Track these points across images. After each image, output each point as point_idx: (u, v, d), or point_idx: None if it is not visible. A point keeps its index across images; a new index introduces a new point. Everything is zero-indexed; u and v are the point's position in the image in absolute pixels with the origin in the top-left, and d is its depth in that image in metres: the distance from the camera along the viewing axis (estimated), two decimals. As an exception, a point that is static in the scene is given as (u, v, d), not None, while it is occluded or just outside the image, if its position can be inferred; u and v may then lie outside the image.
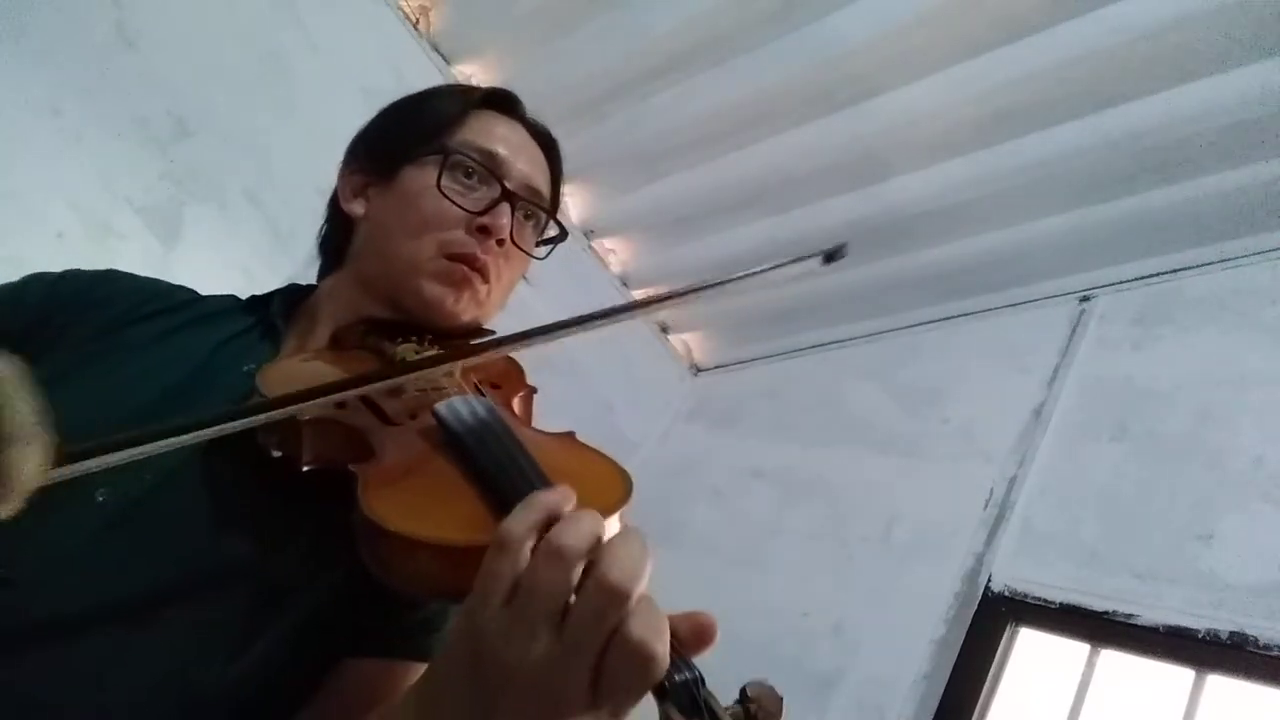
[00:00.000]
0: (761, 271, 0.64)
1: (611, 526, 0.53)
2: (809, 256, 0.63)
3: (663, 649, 0.43)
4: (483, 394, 0.74)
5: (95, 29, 1.94)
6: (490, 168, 0.84)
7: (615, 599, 0.43)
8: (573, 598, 0.44)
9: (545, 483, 0.53)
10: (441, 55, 2.47)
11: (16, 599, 0.61)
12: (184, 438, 0.55)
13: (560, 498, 0.48)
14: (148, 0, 2.00)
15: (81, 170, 1.91)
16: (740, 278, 0.65)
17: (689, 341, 3.07)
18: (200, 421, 0.56)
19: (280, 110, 2.19)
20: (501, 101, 0.91)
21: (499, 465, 0.56)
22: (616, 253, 2.87)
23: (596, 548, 0.45)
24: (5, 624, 0.61)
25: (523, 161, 0.87)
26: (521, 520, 0.46)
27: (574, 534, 0.45)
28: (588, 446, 0.67)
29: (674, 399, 2.99)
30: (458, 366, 0.73)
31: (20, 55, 1.85)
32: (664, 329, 3.01)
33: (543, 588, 0.44)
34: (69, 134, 1.90)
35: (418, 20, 2.44)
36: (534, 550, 0.45)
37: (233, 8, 2.13)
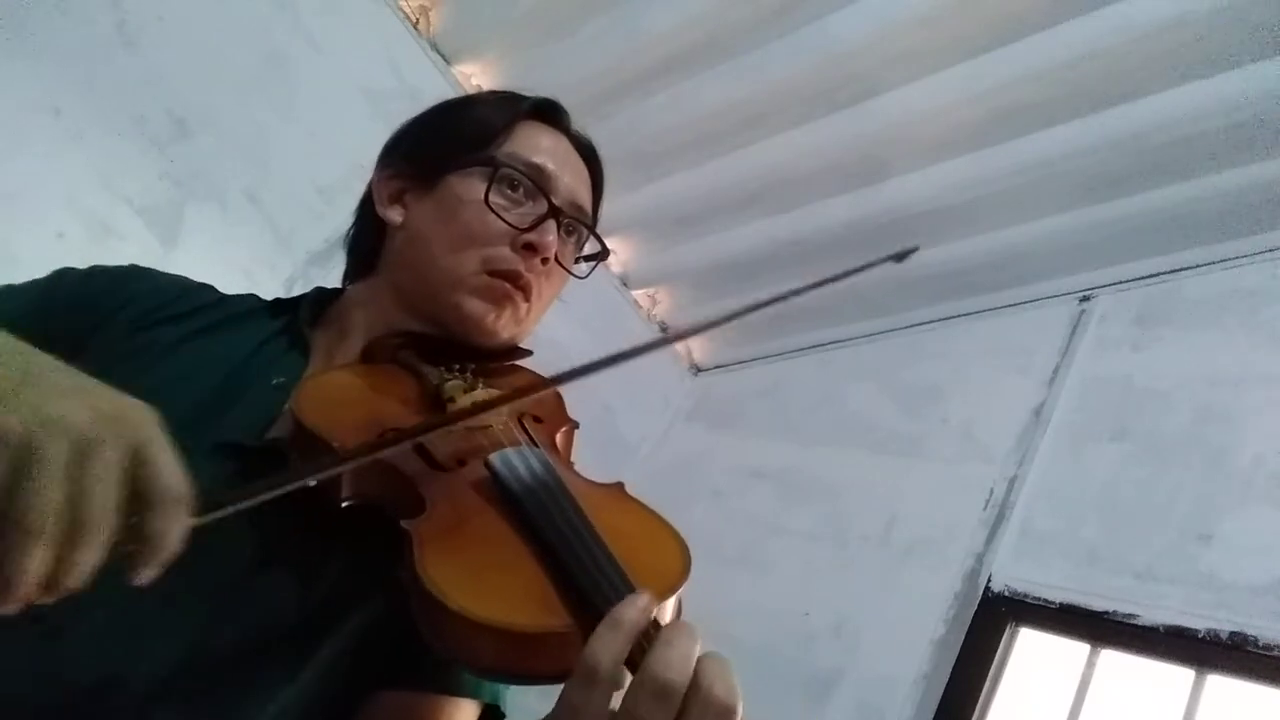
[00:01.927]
0: (838, 278, 0.63)
1: (671, 604, 0.54)
2: (883, 260, 0.62)
3: None
4: (527, 430, 0.72)
5: (95, 29, 1.94)
6: (538, 182, 0.82)
7: (724, 717, 0.44)
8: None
9: (612, 562, 0.53)
10: (441, 55, 2.47)
11: (53, 639, 0.59)
12: (291, 486, 0.54)
13: (645, 611, 0.48)
14: (148, 0, 2.00)
15: (81, 170, 1.91)
16: (815, 286, 0.64)
17: (689, 341, 3.07)
18: (308, 469, 0.57)
19: (280, 110, 2.19)
20: (548, 112, 0.89)
21: (560, 535, 0.55)
22: (617, 253, 2.87)
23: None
24: (40, 665, 0.59)
25: (568, 175, 0.85)
26: (611, 650, 0.46)
27: (677, 666, 0.45)
28: (638, 502, 0.66)
29: (674, 399, 2.99)
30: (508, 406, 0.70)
31: (20, 55, 1.85)
32: (664, 329, 3.01)
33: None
34: (69, 134, 1.90)
35: (418, 20, 2.44)
36: (635, 678, 0.46)
37: (233, 8, 2.13)
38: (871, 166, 2.25)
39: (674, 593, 0.54)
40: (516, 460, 0.63)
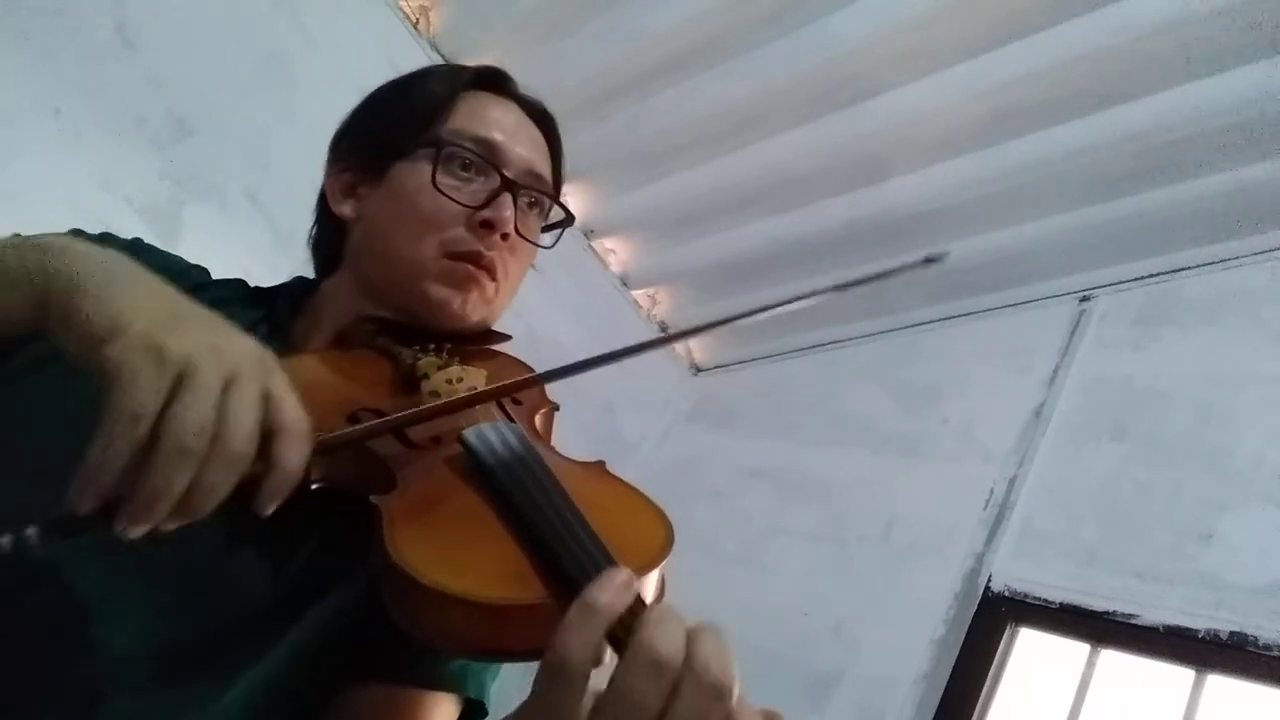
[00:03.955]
0: (867, 280, 0.64)
1: (653, 579, 0.52)
2: (912, 265, 0.62)
3: None
4: (505, 411, 0.71)
5: (95, 29, 1.94)
6: (487, 157, 0.80)
7: (720, 696, 0.43)
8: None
9: (590, 534, 0.51)
10: (442, 55, 2.47)
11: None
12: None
13: (621, 591, 0.46)
14: (148, 0, 2.00)
15: (81, 170, 1.91)
16: (843, 287, 0.64)
17: (689, 341, 3.06)
18: None
19: (280, 110, 2.18)
20: (492, 80, 0.86)
21: (536, 507, 0.53)
22: (616, 253, 2.87)
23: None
24: None
25: (520, 145, 0.82)
26: (582, 639, 0.44)
27: (670, 640, 0.43)
28: (619, 478, 0.64)
29: (674, 399, 2.99)
30: (492, 395, 0.68)
31: (20, 55, 1.85)
32: (664, 329, 3.01)
33: (647, 702, 0.42)
34: (69, 134, 1.90)
35: (418, 20, 2.44)
36: (625, 656, 0.44)
37: (233, 8, 2.13)
38: (871, 166, 2.25)
39: (655, 566, 0.52)
40: (490, 434, 0.61)
